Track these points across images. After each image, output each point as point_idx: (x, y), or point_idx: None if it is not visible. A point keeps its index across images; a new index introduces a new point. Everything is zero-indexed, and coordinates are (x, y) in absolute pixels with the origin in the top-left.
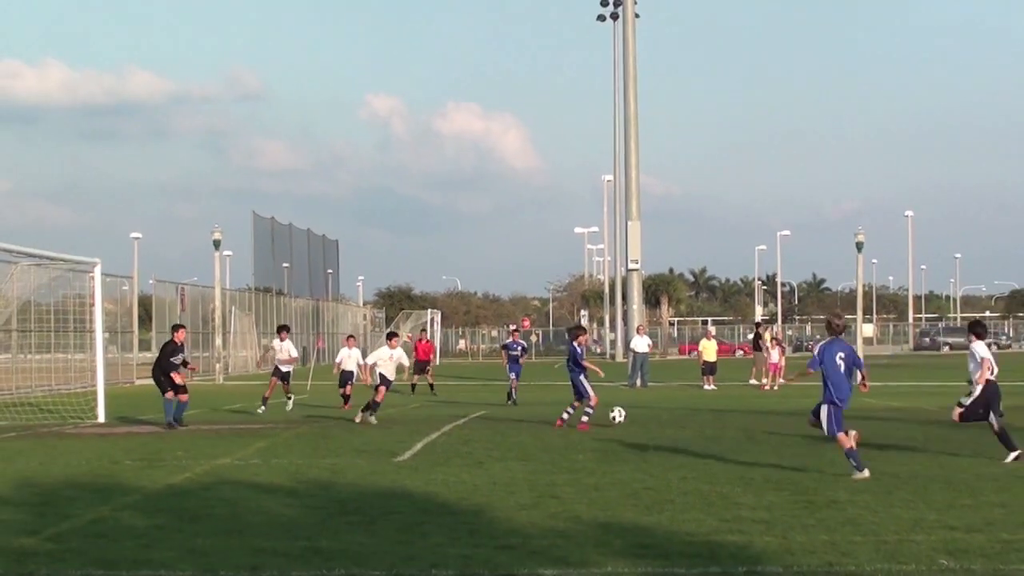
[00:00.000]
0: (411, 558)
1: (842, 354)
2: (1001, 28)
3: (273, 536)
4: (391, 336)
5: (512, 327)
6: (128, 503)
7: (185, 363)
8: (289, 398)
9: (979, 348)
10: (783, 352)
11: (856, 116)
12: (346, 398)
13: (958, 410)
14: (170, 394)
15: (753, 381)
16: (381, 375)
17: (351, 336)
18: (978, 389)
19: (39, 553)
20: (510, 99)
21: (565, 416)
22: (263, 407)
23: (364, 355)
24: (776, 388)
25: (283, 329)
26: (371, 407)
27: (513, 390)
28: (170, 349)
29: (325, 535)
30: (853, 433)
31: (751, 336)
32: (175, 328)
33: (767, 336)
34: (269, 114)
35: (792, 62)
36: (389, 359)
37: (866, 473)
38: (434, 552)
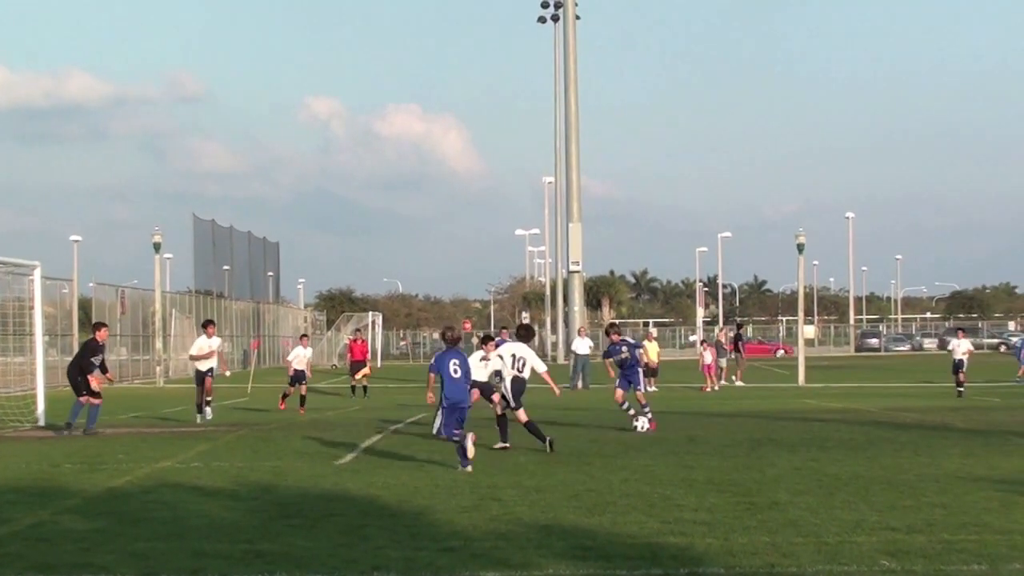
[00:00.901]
0: (352, 561)
1: (456, 361)
2: (938, 31)
3: (214, 539)
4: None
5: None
6: (68, 507)
7: (104, 368)
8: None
9: None
10: (715, 355)
11: (795, 119)
12: (285, 396)
13: None
14: (84, 398)
15: (738, 383)
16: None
17: (305, 335)
18: None
19: None
20: (451, 101)
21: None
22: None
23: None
24: (717, 389)
25: (210, 324)
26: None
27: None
28: (91, 348)
29: (266, 538)
30: (471, 435)
31: (730, 336)
32: (97, 326)
33: (723, 337)
34: (209, 117)
35: (732, 64)
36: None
37: (469, 468)
38: (375, 555)
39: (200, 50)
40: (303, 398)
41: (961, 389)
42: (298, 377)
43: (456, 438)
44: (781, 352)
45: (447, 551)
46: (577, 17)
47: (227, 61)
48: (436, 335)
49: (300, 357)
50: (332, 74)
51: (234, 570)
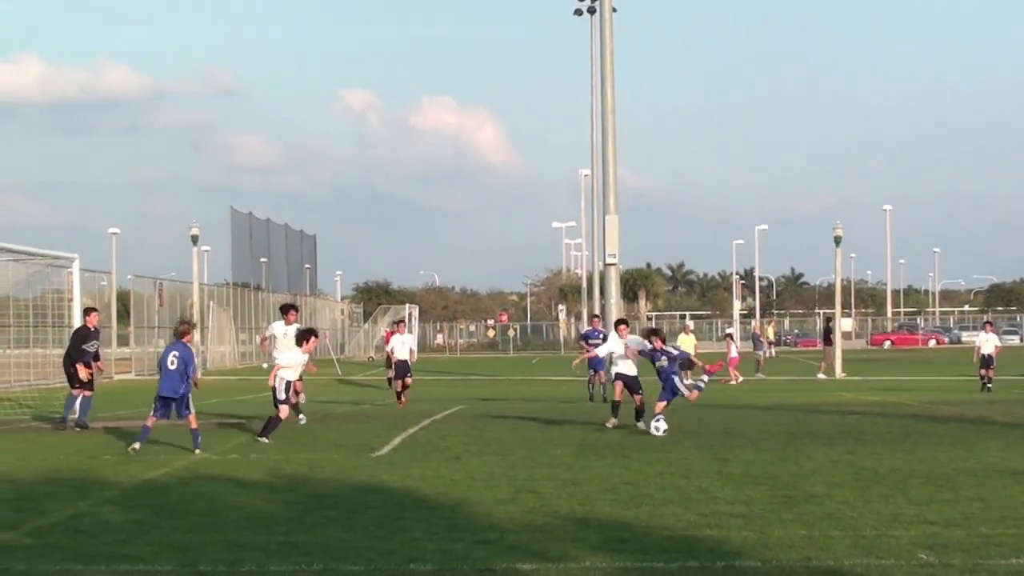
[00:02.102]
0: (389, 553)
1: (176, 353)
2: (984, 29)
3: (251, 531)
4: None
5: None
6: (106, 498)
7: (96, 356)
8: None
9: None
10: (753, 346)
11: (833, 111)
12: (399, 394)
13: None
14: (77, 390)
15: (821, 375)
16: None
17: (400, 321)
18: None
19: (17, 548)
20: (486, 93)
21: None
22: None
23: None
24: (739, 383)
25: (291, 309)
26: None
27: (591, 385)
28: (81, 335)
29: (303, 530)
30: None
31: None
32: (87, 311)
33: (771, 330)
34: (246, 110)
35: (770, 57)
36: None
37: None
38: (412, 546)
39: (236, 44)
40: (400, 391)
41: (989, 384)
42: (402, 369)
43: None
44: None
45: (484, 543)
46: (614, 9)
47: (263, 55)
48: (473, 328)
49: (400, 345)
50: (367, 67)
51: (270, 561)
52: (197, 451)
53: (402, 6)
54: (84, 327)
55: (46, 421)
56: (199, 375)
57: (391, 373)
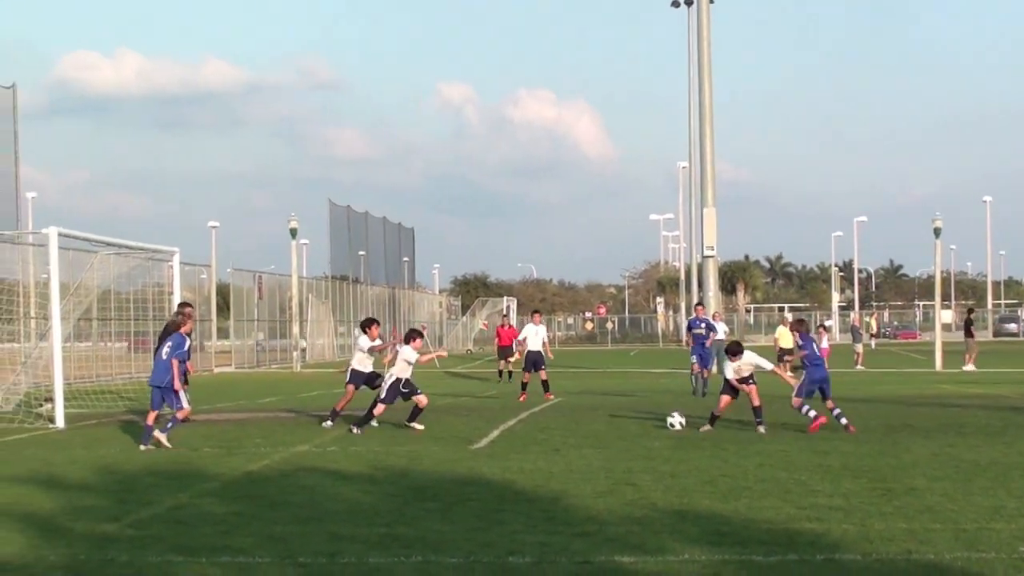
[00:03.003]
0: (488, 545)
1: (170, 344)
2: None
3: (351, 523)
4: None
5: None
6: (207, 490)
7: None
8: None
9: None
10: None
11: (930, 102)
12: (524, 384)
13: None
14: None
15: (968, 367)
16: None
17: (536, 311)
18: None
19: (120, 539)
20: (583, 86)
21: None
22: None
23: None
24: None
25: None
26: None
27: (694, 378)
28: (168, 332)
29: (402, 522)
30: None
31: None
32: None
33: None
34: (342, 103)
35: (865, 48)
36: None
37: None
38: (511, 539)
39: (334, 37)
40: (545, 383)
41: None
42: (534, 360)
43: None
44: None
45: (582, 536)
46: (711, 1)
47: (360, 48)
48: (571, 320)
49: (534, 336)
50: (464, 60)
51: (370, 553)
52: (143, 447)
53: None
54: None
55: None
56: (192, 367)
57: (503, 364)
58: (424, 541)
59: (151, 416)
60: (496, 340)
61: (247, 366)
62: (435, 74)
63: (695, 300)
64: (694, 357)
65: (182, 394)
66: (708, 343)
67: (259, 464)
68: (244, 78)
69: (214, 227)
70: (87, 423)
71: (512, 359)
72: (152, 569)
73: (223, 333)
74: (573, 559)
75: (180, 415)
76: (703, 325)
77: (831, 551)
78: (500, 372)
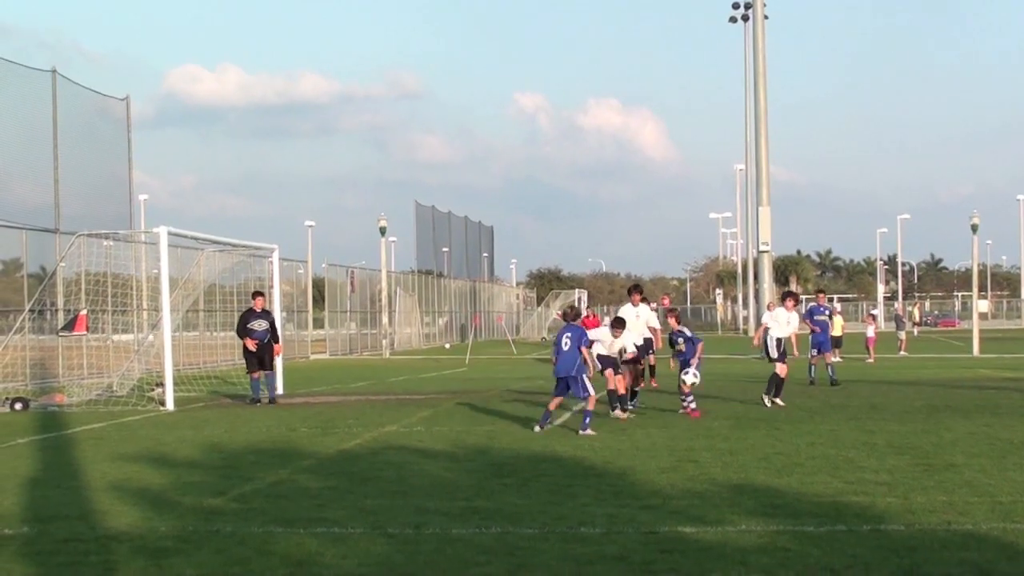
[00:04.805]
0: (560, 517)
1: (569, 334)
2: None
3: (435, 497)
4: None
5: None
6: (304, 467)
7: (275, 338)
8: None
9: None
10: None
11: (971, 103)
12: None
13: None
14: (255, 373)
15: None
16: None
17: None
18: None
19: (225, 512)
20: (647, 95)
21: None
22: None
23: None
24: (871, 361)
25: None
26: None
27: (812, 368)
28: (245, 316)
29: (482, 496)
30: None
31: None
32: (254, 295)
33: (916, 312)
34: (427, 112)
35: (905, 55)
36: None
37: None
38: (582, 511)
39: (419, 51)
40: (652, 368)
41: None
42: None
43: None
44: None
45: (647, 508)
46: (766, 17)
47: (444, 61)
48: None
49: (638, 321)
50: (538, 72)
51: (453, 525)
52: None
53: (570, 15)
54: (250, 309)
55: (239, 399)
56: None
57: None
58: (502, 513)
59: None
60: None
61: (340, 354)
62: (511, 85)
63: (751, 291)
64: (814, 350)
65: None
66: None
67: (351, 443)
68: (336, 89)
69: (310, 226)
70: (195, 406)
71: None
72: (254, 539)
73: (319, 323)
74: (639, 529)
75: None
76: (826, 312)
77: (876, 522)
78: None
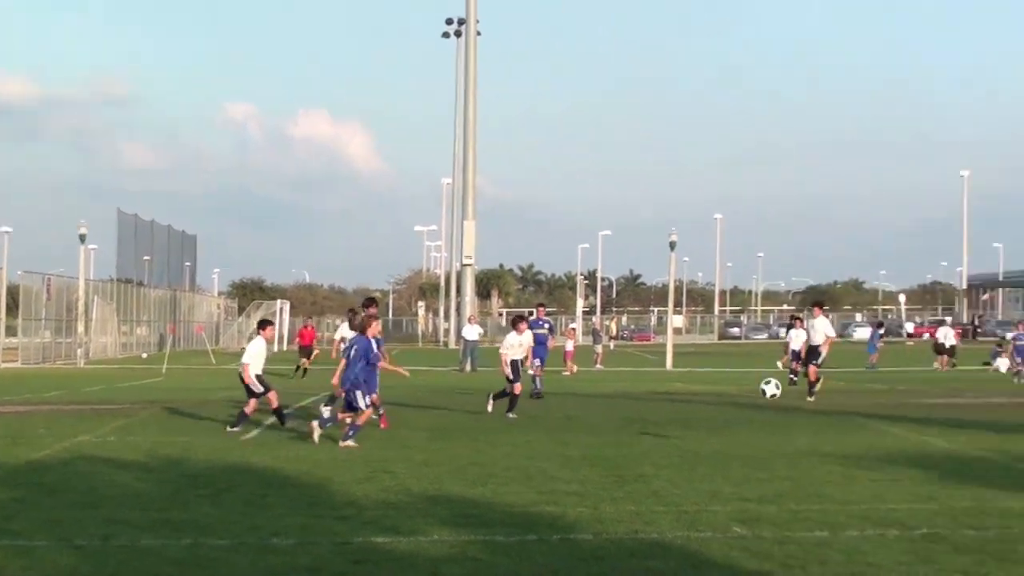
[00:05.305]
0: (254, 528)
1: (356, 346)
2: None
3: (126, 508)
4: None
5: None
6: None
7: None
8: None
9: None
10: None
11: (671, 129)
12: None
13: None
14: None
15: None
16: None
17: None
18: None
19: None
20: (357, 107)
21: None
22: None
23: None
24: (574, 373)
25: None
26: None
27: (538, 380)
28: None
29: (175, 507)
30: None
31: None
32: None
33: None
34: (134, 118)
35: (615, 76)
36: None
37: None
38: (276, 521)
39: (126, 57)
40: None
41: (794, 377)
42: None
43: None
44: None
45: (342, 519)
46: (478, 33)
47: (152, 68)
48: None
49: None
50: (249, 81)
51: (144, 536)
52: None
53: (286, 25)
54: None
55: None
56: None
57: (305, 363)
58: (195, 524)
59: None
60: (298, 340)
61: (33, 362)
62: (221, 93)
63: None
64: (536, 359)
65: None
66: (549, 344)
67: (41, 453)
68: (39, 93)
69: (6, 232)
70: None
71: (312, 357)
72: None
73: (11, 331)
74: (333, 540)
75: None
76: (545, 326)
77: (566, 531)
78: (297, 368)
